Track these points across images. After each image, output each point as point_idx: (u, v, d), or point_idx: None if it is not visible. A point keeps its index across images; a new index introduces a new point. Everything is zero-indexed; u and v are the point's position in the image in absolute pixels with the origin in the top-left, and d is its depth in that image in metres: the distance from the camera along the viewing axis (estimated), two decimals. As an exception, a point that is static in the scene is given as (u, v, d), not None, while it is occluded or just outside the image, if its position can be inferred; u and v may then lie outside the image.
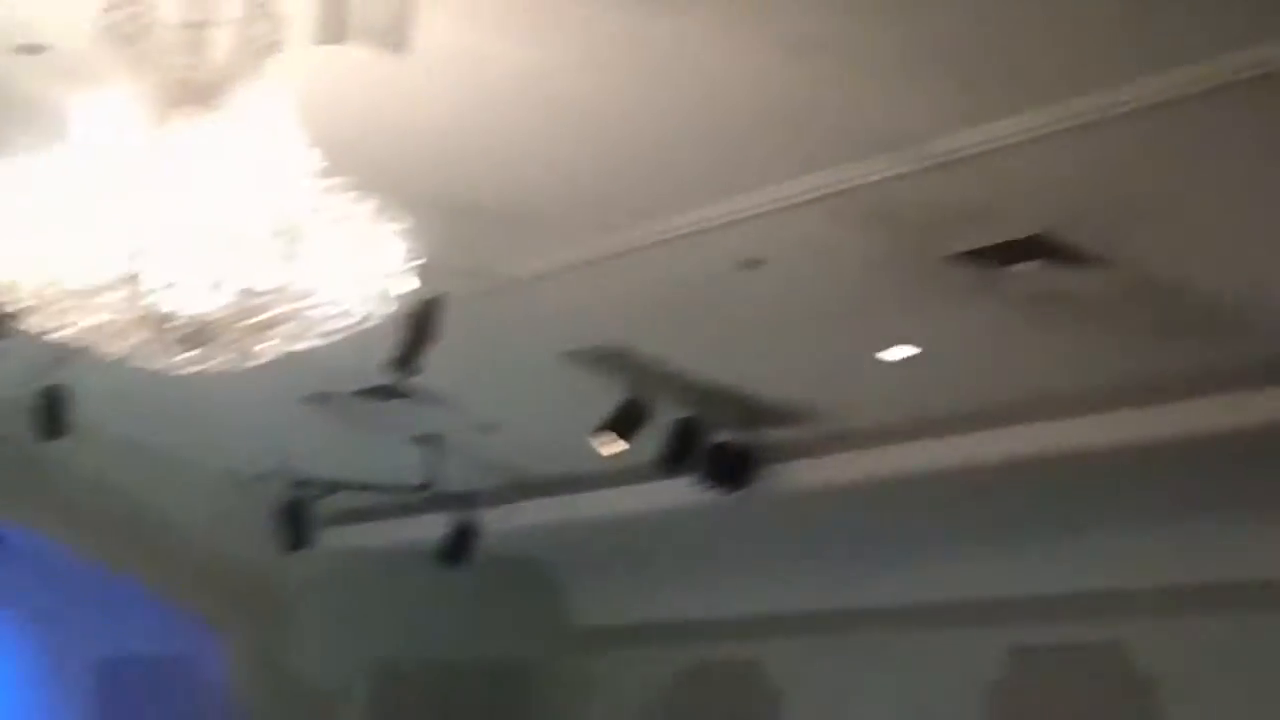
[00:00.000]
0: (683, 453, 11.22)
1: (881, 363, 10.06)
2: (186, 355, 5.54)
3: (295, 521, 13.41)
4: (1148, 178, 7.62)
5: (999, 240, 8.30)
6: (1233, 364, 9.28)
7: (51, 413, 11.45)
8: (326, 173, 5.49)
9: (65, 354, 9.13)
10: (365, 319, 5.62)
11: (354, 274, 5.51)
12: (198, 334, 5.41)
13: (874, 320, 9.59)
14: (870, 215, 8.24)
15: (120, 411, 12.02)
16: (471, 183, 8.22)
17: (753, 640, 14.34)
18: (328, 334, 5.62)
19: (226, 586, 14.55)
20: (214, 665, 14.81)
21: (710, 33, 6.74)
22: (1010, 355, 9.74)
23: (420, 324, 9.08)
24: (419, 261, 5.70)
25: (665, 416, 10.99)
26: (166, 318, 5.33)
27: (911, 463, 11.01)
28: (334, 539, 14.03)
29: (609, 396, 10.72)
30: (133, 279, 5.23)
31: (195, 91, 5.45)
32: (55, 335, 5.51)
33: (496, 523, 13.12)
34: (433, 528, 13.20)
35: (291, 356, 5.74)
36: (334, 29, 6.24)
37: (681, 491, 11.63)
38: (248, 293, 5.31)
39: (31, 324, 5.52)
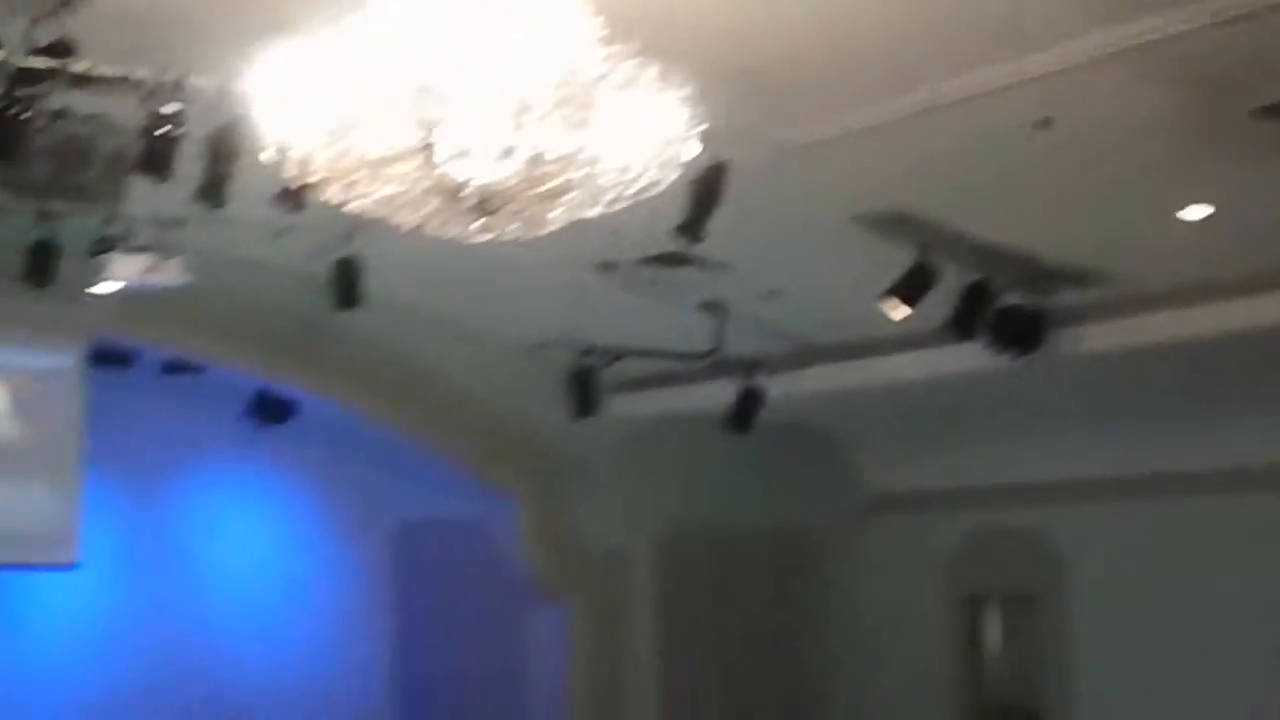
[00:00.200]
0: (971, 317, 11.12)
1: (1177, 223, 9.81)
2: (477, 224, 5.60)
3: (583, 388, 13.59)
4: None
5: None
6: None
7: (346, 283, 11.72)
8: (611, 40, 5.47)
9: (358, 225, 9.37)
10: (651, 185, 5.62)
11: (640, 140, 5.50)
12: (488, 203, 5.46)
13: (1169, 179, 9.35)
14: (1167, 70, 7.99)
15: (411, 281, 12.24)
16: (755, 48, 8.14)
17: (1040, 506, 14.20)
18: (615, 201, 5.63)
19: (516, 453, 14.81)
20: (505, 529, 15.11)
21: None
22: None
23: (705, 190, 9.07)
24: (703, 127, 5.67)
25: (953, 280, 10.87)
26: (458, 187, 5.38)
27: (1205, 325, 10.77)
28: (621, 406, 14.19)
29: (896, 261, 10.62)
30: (425, 149, 5.29)
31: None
32: (349, 207, 5.61)
33: (782, 389, 13.14)
34: (719, 394, 13.27)
35: (579, 224, 5.77)
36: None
37: (970, 356, 11.53)
38: (537, 160, 5.35)
39: (326, 196, 5.62)
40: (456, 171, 5.31)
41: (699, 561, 15.42)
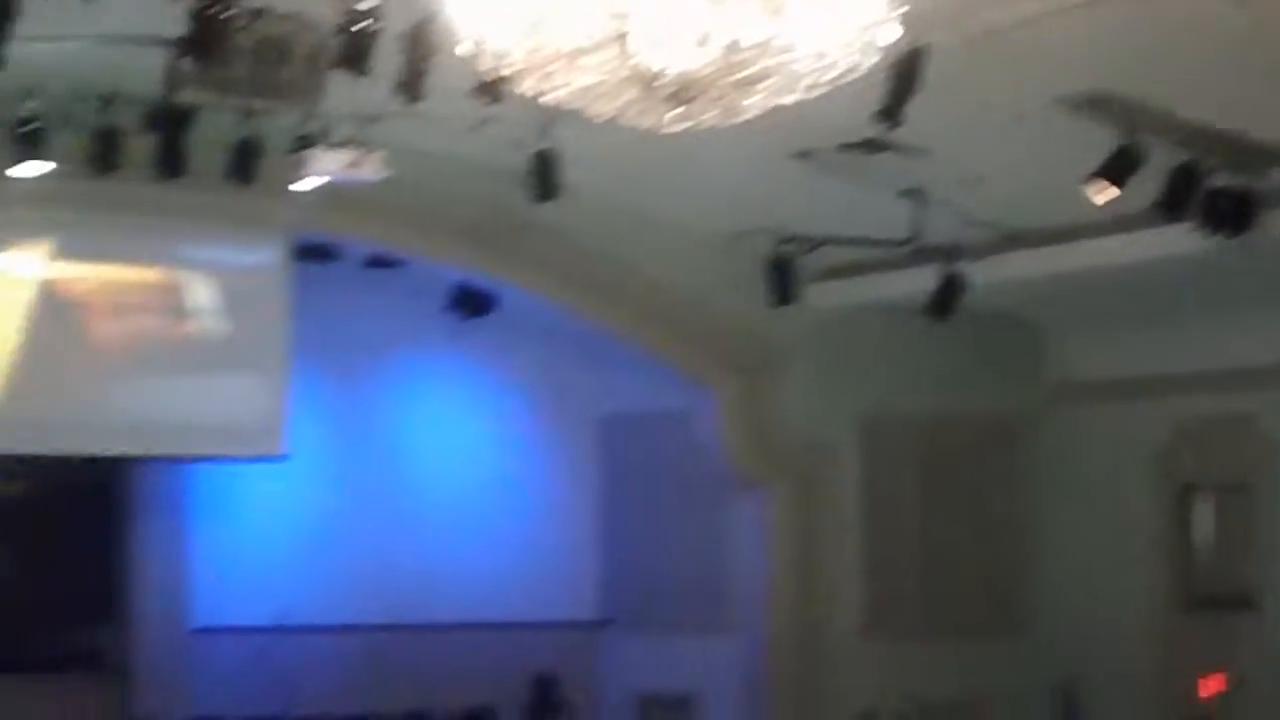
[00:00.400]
0: (1179, 198, 10.91)
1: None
2: (674, 113, 5.56)
3: (782, 277, 13.57)
4: None
5: None
6: None
7: (543, 175, 11.79)
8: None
9: (555, 117, 9.38)
10: (849, 71, 5.53)
11: (838, 26, 5.42)
12: (684, 91, 5.42)
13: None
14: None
15: (608, 173, 12.25)
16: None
17: (1250, 392, 13.92)
18: (812, 88, 5.56)
19: (716, 343, 14.81)
20: (707, 420, 15.14)
21: None
22: None
23: (904, 75, 8.98)
24: (903, 10, 5.57)
25: (1160, 162, 10.63)
26: (654, 76, 5.35)
27: None
28: (820, 294, 14.14)
29: (1100, 143, 10.42)
30: (621, 38, 5.26)
31: None
32: (546, 98, 5.60)
33: (983, 275, 12.99)
34: (919, 281, 13.16)
35: (777, 111, 5.70)
36: None
37: (1178, 239, 11.31)
38: (733, 48, 5.29)
39: (523, 88, 5.61)
40: (652, 60, 5.28)
41: (901, 448, 15.35)
